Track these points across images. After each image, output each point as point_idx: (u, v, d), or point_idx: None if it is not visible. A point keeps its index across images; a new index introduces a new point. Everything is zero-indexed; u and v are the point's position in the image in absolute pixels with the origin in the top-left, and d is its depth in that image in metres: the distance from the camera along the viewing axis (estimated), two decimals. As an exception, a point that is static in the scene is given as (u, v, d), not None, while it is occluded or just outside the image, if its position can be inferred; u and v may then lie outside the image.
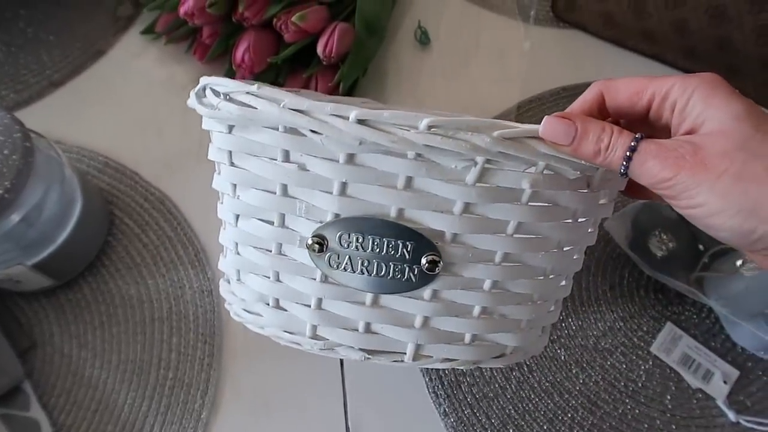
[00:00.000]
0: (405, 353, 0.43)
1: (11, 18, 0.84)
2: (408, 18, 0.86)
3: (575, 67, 0.81)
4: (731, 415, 0.61)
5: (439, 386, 0.62)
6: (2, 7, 0.85)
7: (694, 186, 0.33)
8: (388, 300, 0.42)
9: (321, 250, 0.40)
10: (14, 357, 0.62)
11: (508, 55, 0.83)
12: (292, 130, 0.38)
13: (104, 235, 0.69)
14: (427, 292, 0.41)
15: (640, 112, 0.38)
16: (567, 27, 0.85)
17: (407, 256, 0.40)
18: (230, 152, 0.42)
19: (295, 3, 0.73)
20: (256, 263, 0.44)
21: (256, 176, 0.41)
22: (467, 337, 0.43)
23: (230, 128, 0.41)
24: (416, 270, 0.40)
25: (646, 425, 0.61)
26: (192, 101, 0.42)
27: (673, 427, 0.61)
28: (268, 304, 0.45)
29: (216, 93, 0.41)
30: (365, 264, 0.40)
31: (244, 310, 0.47)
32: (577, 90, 0.39)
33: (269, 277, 0.44)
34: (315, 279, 0.42)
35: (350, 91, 0.76)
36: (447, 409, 0.61)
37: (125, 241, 0.69)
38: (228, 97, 0.40)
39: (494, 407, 0.62)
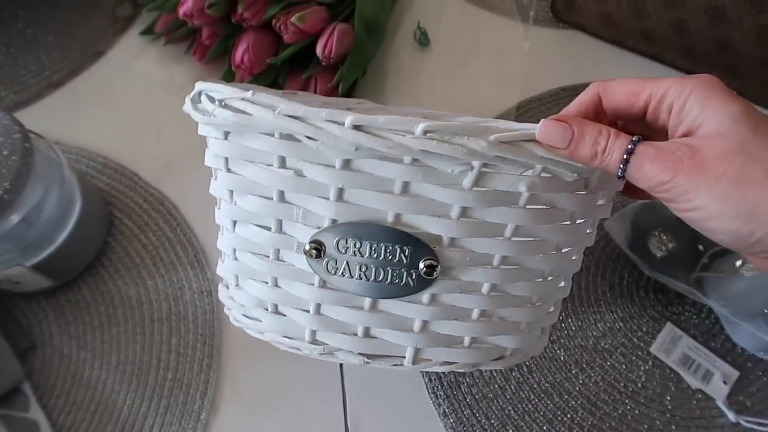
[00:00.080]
0: (404, 357, 0.43)
1: (10, 19, 0.84)
2: (407, 18, 0.86)
3: (575, 67, 0.81)
4: (731, 416, 0.60)
5: (439, 387, 0.62)
6: (1, 9, 0.85)
7: (692, 189, 0.33)
8: (387, 304, 0.42)
9: (318, 256, 0.40)
10: (14, 358, 0.62)
11: (507, 56, 0.83)
12: (287, 136, 0.38)
13: (103, 235, 0.69)
14: (425, 296, 0.41)
15: (637, 113, 0.38)
16: (566, 27, 0.85)
17: (405, 261, 0.39)
18: (226, 158, 0.42)
19: (295, 4, 0.73)
20: (254, 269, 0.44)
21: (252, 182, 0.41)
22: (466, 340, 0.43)
23: (226, 134, 0.41)
24: (414, 274, 0.40)
25: (645, 426, 0.61)
26: (187, 107, 0.42)
27: (673, 427, 0.61)
28: (267, 310, 0.45)
29: (211, 99, 0.40)
30: (363, 269, 0.40)
31: (244, 315, 0.47)
32: (577, 90, 0.39)
33: (267, 283, 0.44)
34: (313, 284, 0.42)
35: (349, 92, 0.76)
36: (446, 410, 0.61)
37: (124, 241, 0.69)
38: (223, 104, 0.40)
39: (494, 408, 0.62)
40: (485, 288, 0.41)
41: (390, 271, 0.40)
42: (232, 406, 0.62)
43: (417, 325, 0.42)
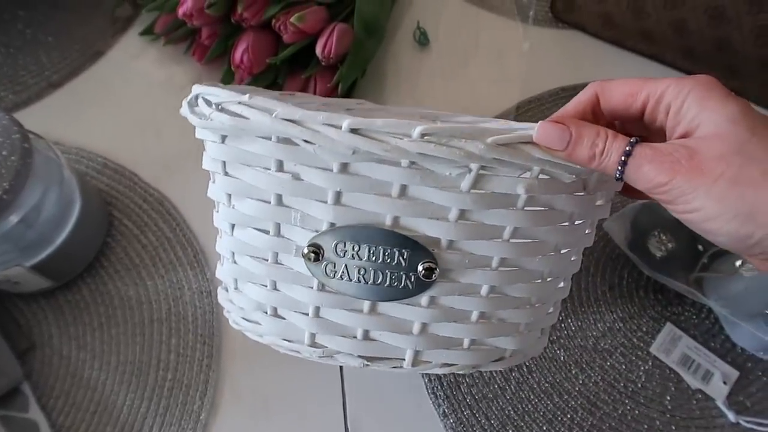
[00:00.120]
0: (404, 359, 0.43)
1: (10, 20, 0.84)
2: (407, 18, 0.86)
3: (574, 67, 0.81)
4: (731, 416, 0.60)
5: (439, 387, 0.62)
6: (1, 9, 0.85)
7: (690, 191, 0.33)
8: (386, 307, 0.41)
9: (317, 259, 0.40)
10: (13, 358, 0.62)
11: (507, 56, 0.83)
12: (285, 140, 0.38)
13: (103, 236, 0.69)
14: (424, 298, 0.41)
15: (634, 114, 0.38)
16: (566, 27, 0.85)
17: (403, 264, 0.39)
18: (224, 162, 0.42)
19: (294, 4, 0.73)
20: (253, 272, 0.44)
21: (250, 186, 0.41)
22: (466, 342, 0.43)
23: (223, 138, 0.41)
24: (413, 277, 0.40)
25: (645, 426, 0.61)
26: (184, 110, 0.42)
27: (673, 427, 0.61)
28: (266, 313, 0.44)
29: (208, 103, 0.40)
30: (362, 272, 0.40)
31: (243, 318, 0.47)
32: (576, 90, 0.39)
33: (266, 286, 0.44)
34: (312, 287, 0.42)
35: (349, 92, 0.76)
36: (446, 410, 0.61)
37: (124, 242, 0.69)
38: (220, 107, 0.39)
39: (494, 408, 0.62)
40: (484, 290, 0.41)
41: (389, 274, 0.40)
42: (232, 407, 0.62)
43: (416, 328, 0.42)
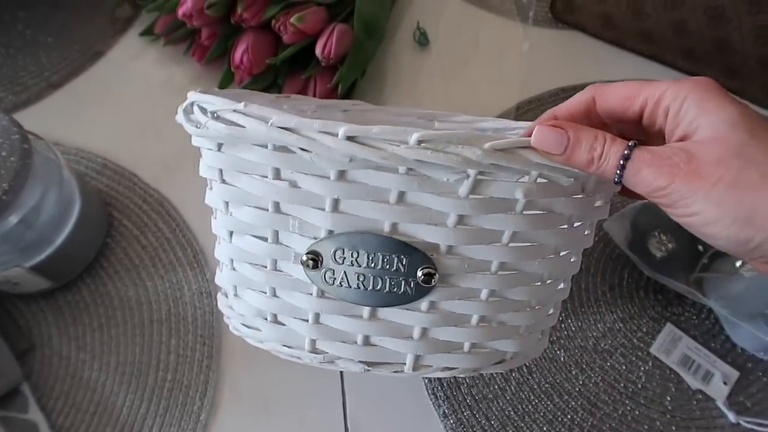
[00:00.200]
0: (405, 364, 0.43)
1: (10, 20, 0.84)
2: (407, 19, 0.86)
3: (574, 67, 0.81)
4: (731, 416, 0.60)
5: (439, 388, 0.62)
6: (1, 10, 0.85)
7: (689, 194, 0.33)
8: (386, 313, 0.41)
9: (316, 267, 0.40)
10: (13, 359, 0.62)
11: (507, 56, 0.83)
12: (281, 148, 0.38)
13: (103, 236, 0.69)
14: (424, 303, 0.41)
15: (632, 117, 0.38)
16: (566, 28, 0.85)
17: (403, 270, 0.39)
18: (221, 170, 0.42)
19: (294, 4, 0.73)
20: (252, 279, 0.44)
21: (247, 193, 0.41)
22: (466, 346, 0.43)
23: (219, 146, 0.41)
24: (412, 283, 0.40)
25: (646, 426, 0.61)
26: (180, 118, 0.42)
27: (673, 428, 0.61)
28: (266, 319, 0.44)
29: (203, 110, 0.40)
30: (361, 278, 0.40)
31: (243, 324, 0.47)
32: (576, 90, 0.39)
33: (266, 293, 0.43)
34: (312, 294, 0.42)
35: (349, 92, 0.76)
36: (446, 411, 0.61)
37: (124, 242, 0.69)
38: (215, 115, 0.39)
39: (494, 408, 0.62)
40: (484, 294, 0.41)
41: (388, 279, 0.40)
42: (232, 408, 0.62)
43: (417, 333, 0.42)
